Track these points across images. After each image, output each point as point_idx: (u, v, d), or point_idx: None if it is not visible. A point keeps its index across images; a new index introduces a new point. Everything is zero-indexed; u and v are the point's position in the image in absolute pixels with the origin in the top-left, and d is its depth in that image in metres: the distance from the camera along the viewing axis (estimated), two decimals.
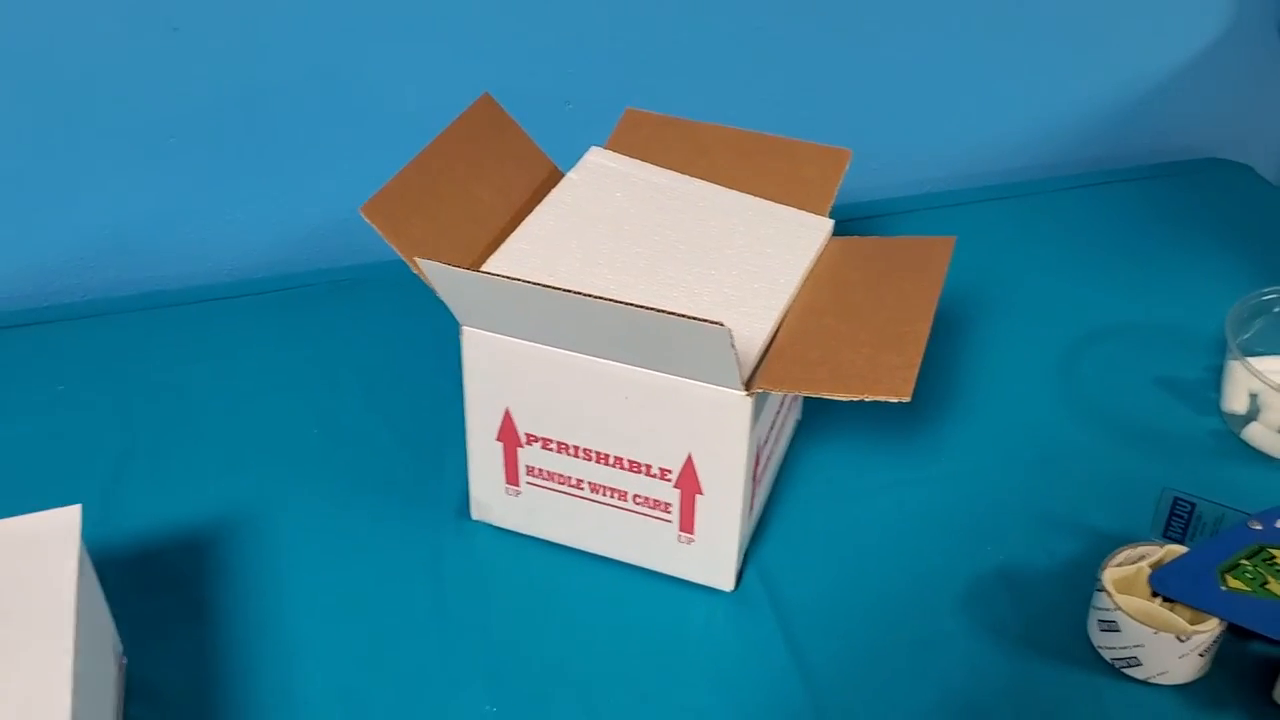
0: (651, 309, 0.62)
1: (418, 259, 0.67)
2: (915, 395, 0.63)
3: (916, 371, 0.65)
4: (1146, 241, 1.08)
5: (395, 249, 0.70)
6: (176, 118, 0.97)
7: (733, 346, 0.62)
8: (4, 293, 1.00)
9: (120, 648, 0.70)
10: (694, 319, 0.61)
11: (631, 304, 0.62)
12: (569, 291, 0.63)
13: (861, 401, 0.64)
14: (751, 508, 0.75)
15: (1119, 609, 0.69)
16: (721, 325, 0.60)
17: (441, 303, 0.70)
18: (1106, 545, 0.74)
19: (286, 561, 0.77)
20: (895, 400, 0.63)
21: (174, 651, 0.71)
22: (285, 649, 0.72)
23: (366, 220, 0.70)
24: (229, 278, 1.05)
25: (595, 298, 0.63)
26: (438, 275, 0.66)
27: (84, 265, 1.01)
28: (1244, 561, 0.70)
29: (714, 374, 0.65)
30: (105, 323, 0.96)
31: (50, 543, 0.61)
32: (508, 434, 0.74)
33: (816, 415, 0.87)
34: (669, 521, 0.73)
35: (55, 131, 0.95)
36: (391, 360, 0.92)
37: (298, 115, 0.99)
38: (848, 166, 0.83)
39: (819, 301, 0.73)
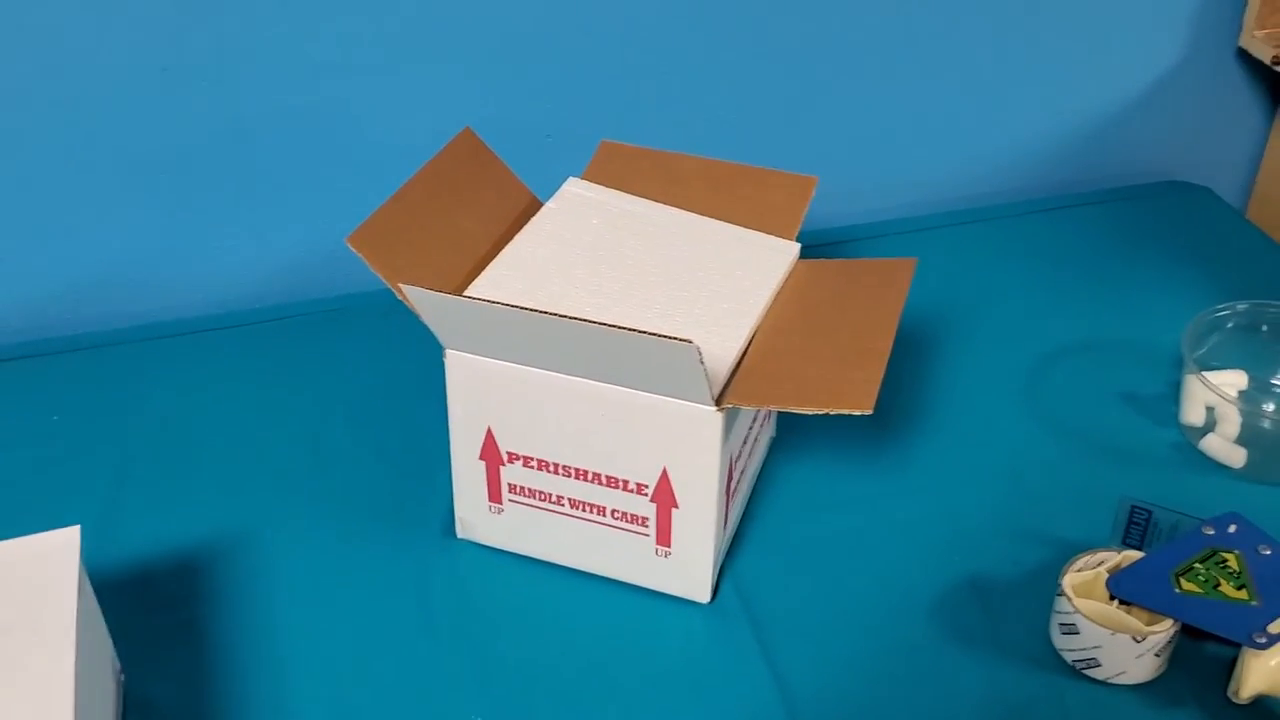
0: (625, 328, 0.65)
1: (402, 285, 0.70)
2: (886, 411, 0.66)
3: (879, 385, 0.68)
4: (1108, 262, 1.11)
5: (381, 277, 0.73)
6: (166, 154, 1.00)
7: (702, 363, 0.65)
8: (0, 325, 1.02)
9: (118, 665, 0.72)
10: (665, 337, 0.64)
11: (606, 324, 0.65)
12: (546, 314, 0.66)
13: (828, 415, 0.67)
14: (726, 521, 0.78)
15: (1078, 611, 0.72)
16: (690, 342, 0.63)
17: (424, 329, 0.73)
18: (1069, 553, 0.76)
19: (278, 581, 0.79)
20: (858, 413, 0.66)
21: (170, 669, 0.73)
22: (278, 665, 0.74)
23: (353, 250, 0.72)
24: (218, 309, 1.07)
25: (571, 319, 0.66)
26: (421, 300, 0.69)
27: (77, 298, 1.04)
28: (1197, 564, 0.73)
29: (686, 390, 0.68)
30: (99, 354, 0.98)
31: (50, 563, 0.64)
32: (490, 453, 0.76)
33: (790, 431, 0.90)
34: (646, 535, 0.76)
35: (48, 168, 0.98)
36: (377, 386, 0.95)
37: (284, 150, 1.02)
38: (814, 192, 0.86)
39: (786, 321, 0.76)
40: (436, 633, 0.76)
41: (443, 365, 0.74)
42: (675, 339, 0.63)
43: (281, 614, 0.77)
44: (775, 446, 0.89)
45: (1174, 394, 0.94)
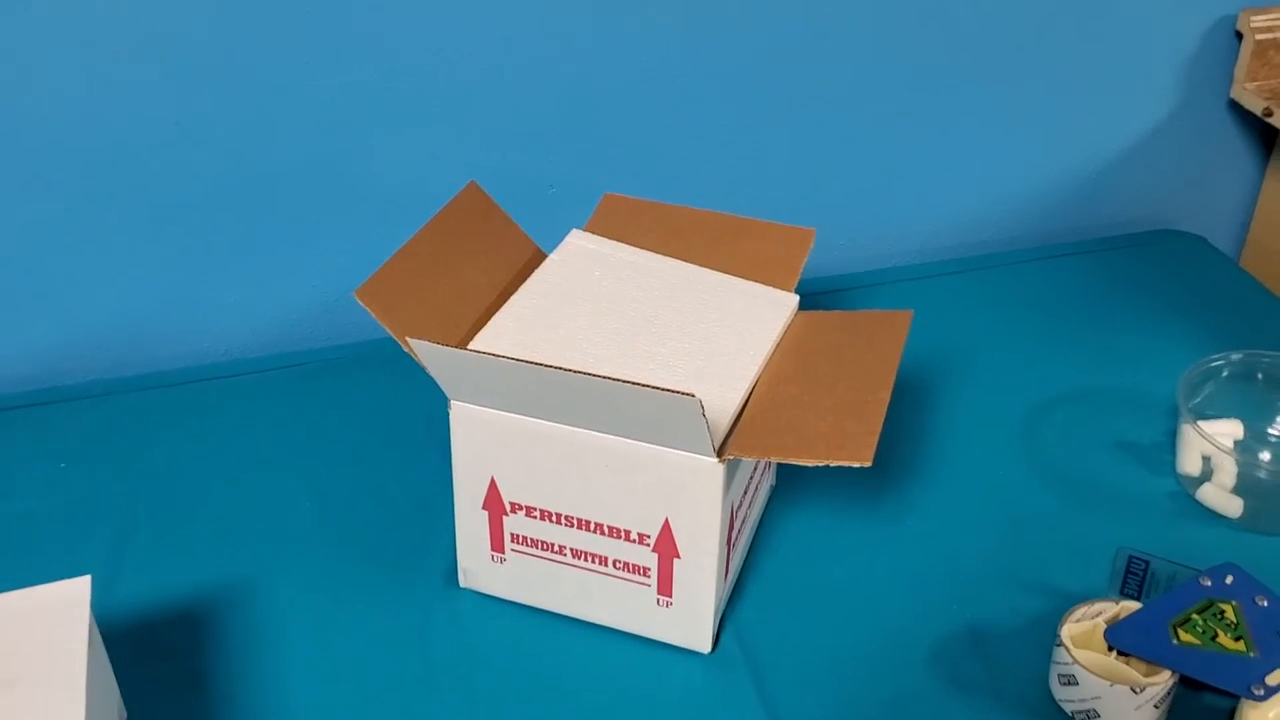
0: (627, 382, 0.66)
1: (409, 339, 0.71)
2: (884, 460, 0.67)
3: (877, 437, 0.69)
4: (1103, 310, 1.12)
5: (388, 330, 0.74)
6: (176, 206, 1.01)
7: (704, 416, 0.66)
8: (9, 374, 1.04)
9: (124, 713, 0.72)
10: (667, 390, 0.65)
11: (609, 377, 0.66)
12: (550, 366, 0.67)
13: (827, 466, 0.68)
14: (727, 571, 0.78)
15: (1076, 663, 0.72)
16: (692, 396, 0.64)
17: (426, 379, 0.74)
18: (1068, 602, 0.77)
19: (281, 629, 0.80)
20: (858, 465, 0.67)
21: (174, 717, 0.74)
22: (281, 714, 0.74)
23: (361, 303, 0.73)
24: (224, 357, 1.09)
25: (575, 372, 0.67)
26: (427, 354, 0.70)
27: (86, 348, 1.05)
28: (1194, 616, 0.74)
29: (687, 442, 0.69)
30: (106, 403, 0.99)
31: (61, 613, 0.64)
32: (493, 503, 0.77)
33: (790, 481, 0.91)
34: (648, 585, 0.76)
35: (60, 219, 0.99)
36: (379, 434, 0.96)
37: (292, 203, 1.04)
38: (812, 245, 0.87)
39: (786, 372, 0.77)
40: (438, 681, 0.76)
41: (445, 415, 0.75)
42: (678, 392, 0.64)
43: (284, 662, 0.78)
44: (775, 495, 0.90)
45: (1170, 443, 0.94)
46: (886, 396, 0.72)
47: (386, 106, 1.02)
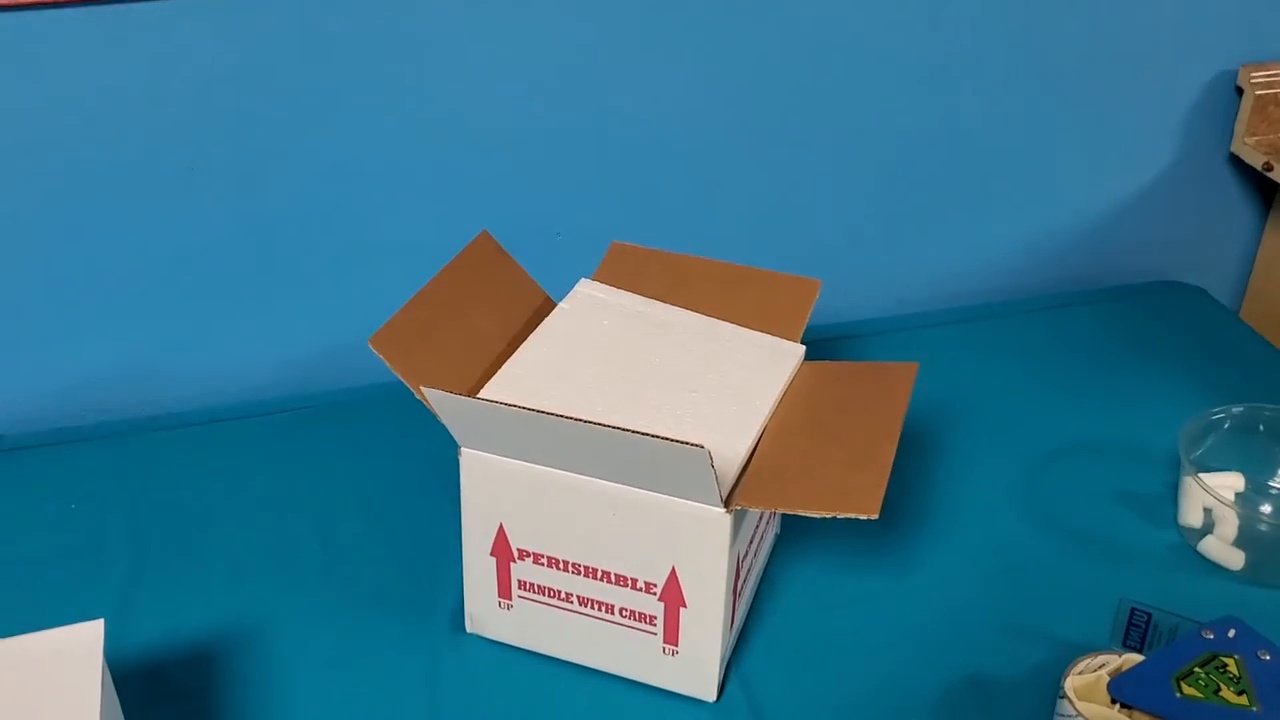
0: (636, 432, 0.67)
1: (422, 388, 0.72)
2: (886, 510, 0.67)
3: (884, 489, 0.70)
4: (1103, 360, 1.13)
5: (401, 378, 0.75)
6: (188, 249, 1.02)
7: (712, 467, 0.67)
8: (21, 415, 1.04)
9: None
10: (676, 441, 0.66)
11: (618, 427, 0.67)
12: (560, 416, 0.68)
13: (834, 518, 0.69)
14: (733, 620, 0.79)
15: (1080, 716, 0.72)
16: (701, 447, 0.65)
17: (435, 425, 0.75)
18: (1069, 653, 0.77)
19: (289, 673, 0.80)
20: (864, 517, 0.68)
21: None
22: None
23: (375, 351, 0.74)
24: (233, 399, 1.09)
25: (584, 421, 0.68)
26: (440, 402, 0.71)
27: (97, 389, 1.06)
28: (1197, 669, 0.74)
29: (695, 492, 0.70)
30: (117, 444, 1.00)
31: (75, 657, 0.65)
32: (501, 549, 0.78)
33: (794, 530, 0.91)
34: (654, 634, 0.77)
35: (73, 261, 1.00)
36: (389, 479, 0.96)
37: (303, 247, 1.05)
38: (818, 296, 0.88)
39: (792, 422, 0.78)
40: None
41: (453, 459, 0.76)
42: (687, 444, 0.65)
43: (293, 705, 0.78)
44: (780, 544, 0.91)
45: (1171, 494, 0.95)
46: (893, 449, 0.73)
47: (399, 155, 1.03)
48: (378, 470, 0.97)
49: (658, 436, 0.66)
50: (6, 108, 0.93)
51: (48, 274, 1.00)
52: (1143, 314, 1.20)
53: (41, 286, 1.01)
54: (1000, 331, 1.16)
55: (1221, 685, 0.73)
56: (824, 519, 0.90)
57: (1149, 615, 0.79)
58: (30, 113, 0.94)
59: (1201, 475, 0.90)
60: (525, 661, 0.81)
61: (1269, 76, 1.18)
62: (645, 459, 0.69)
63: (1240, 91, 1.21)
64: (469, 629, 0.83)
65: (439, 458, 0.97)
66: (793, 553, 0.90)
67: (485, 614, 0.81)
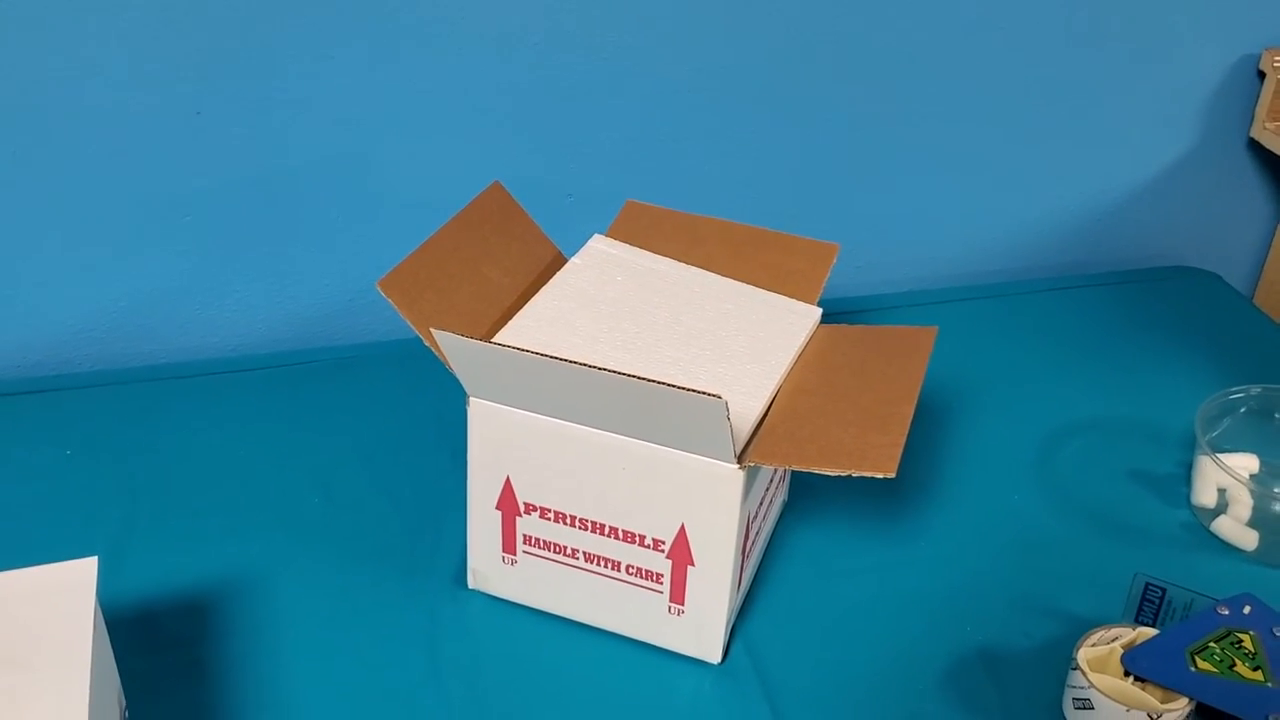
0: (654, 381, 0.65)
1: (432, 330, 0.70)
2: (899, 480, 0.66)
3: (901, 449, 0.68)
4: (1119, 342, 1.12)
5: (409, 322, 0.73)
6: (192, 197, 1.01)
7: (728, 419, 0.65)
8: (17, 360, 1.03)
9: (124, 701, 0.71)
10: (694, 391, 0.64)
11: (633, 375, 0.65)
12: (577, 364, 0.67)
13: (849, 477, 0.67)
14: (740, 581, 0.78)
15: (1093, 687, 0.71)
16: (719, 398, 0.63)
17: (440, 380, 0.73)
18: (1081, 628, 0.76)
19: (285, 625, 0.79)
20: (881, 476, 0.66)
21: (174, 708, 0.73)
22: (282, 709, 0.73)
23: (383, 294, 0.73)
24: (234, 352, 1.08)
25: (602, 370, 0.66)
26: (450, 346, 0.70)
27: (95, 336, 1.04)
28: (1212, 644, 0.73)
29: (708, 447, 0.69)
30: (114, 392, 0.98)
31: (67, 593, 0.63)
32: (507, 503, 0.76)
33: (803, 497, 0.90)
34: (660, 593, 0.75)
35: (74, 204, 0.99)
36: (389, 434, 0.95)
37: (309, 199, 1.03)
38: (835, 259, 0.87)
39: (808, 383, 0.77)
40: (443, 683, 0.75)
41: (456, 415, 0.74)
42: (704, 394, 0.64)
43: (288, 657, 0.76)
44: (787, 511, 0.89)
45: (1184, 475, 0.94)
46: (910, 410, 0.72)
47: (409, 109, 1.01)
48: (379, 426, 0.96)
49: (675, 386, 0.64)
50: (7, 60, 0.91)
51: (45, 216, 0.98)
52: (1156, 297, 1.19)
53: (39, 229, 0.99)
54: (1016, 310, 1.16)
55: (1237, 660, 0.72)
56: (834, 484, 0.88)
57: (1163, 590, 0.78)
58: (34, 54, 0.92)
59: (1218, 455, 0.89)
60: (527, 618, 0.80)
61: None
62: (660, 411, 0.67)
63: (1262, 76, 1.19)
64: (471, 585, 0.81)
65: (442, 413, 0.96)
66: (802, 521, 0.89)
67: (488, 570, 0.80)
